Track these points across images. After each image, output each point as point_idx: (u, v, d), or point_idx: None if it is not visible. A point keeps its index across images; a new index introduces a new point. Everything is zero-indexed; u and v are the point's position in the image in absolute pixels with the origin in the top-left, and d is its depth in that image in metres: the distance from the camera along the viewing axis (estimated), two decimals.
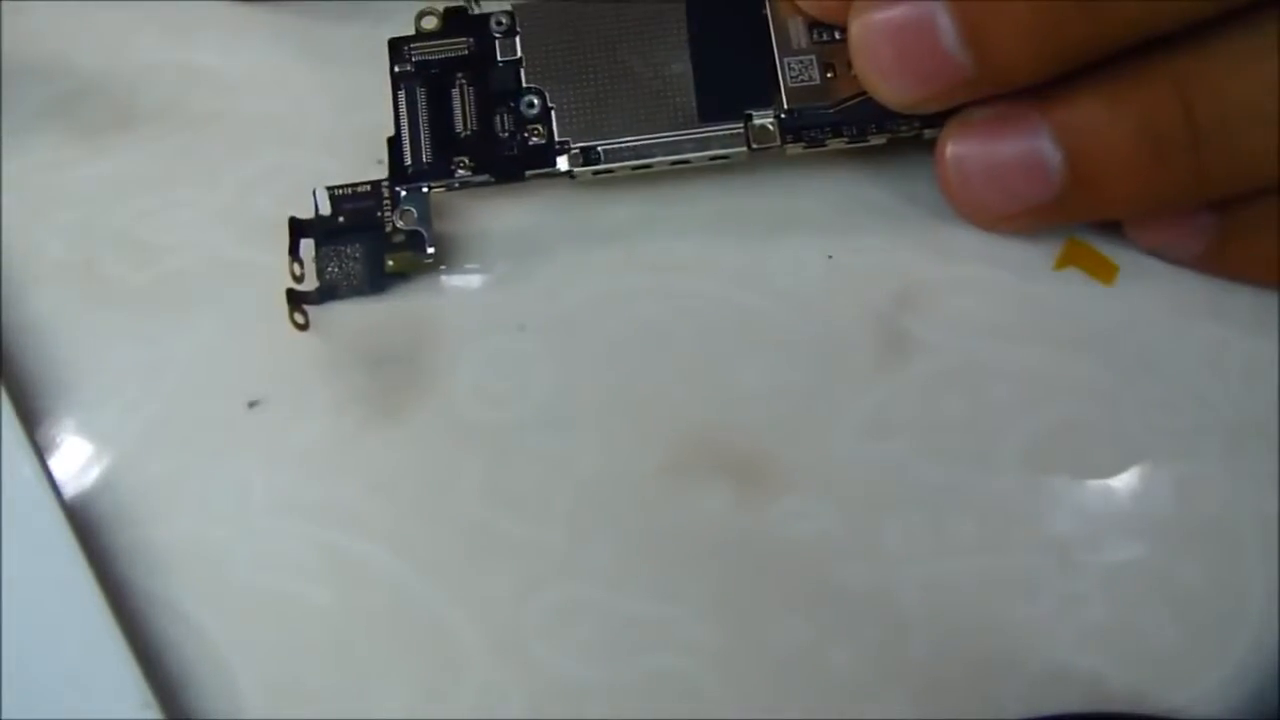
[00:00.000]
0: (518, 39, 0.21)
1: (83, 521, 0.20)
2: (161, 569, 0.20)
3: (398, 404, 0.21)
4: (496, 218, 0.22)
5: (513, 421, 0.20)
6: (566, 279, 0.21)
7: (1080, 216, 0.21)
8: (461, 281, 0.21)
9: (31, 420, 0.20)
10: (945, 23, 0.18)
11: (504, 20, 0.21)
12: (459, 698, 0.19)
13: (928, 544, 0.20)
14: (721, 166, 0.21)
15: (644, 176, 0.21)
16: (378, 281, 0.21)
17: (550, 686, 0.19)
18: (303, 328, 0.21)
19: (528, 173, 0.21)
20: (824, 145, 0.20)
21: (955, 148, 0.20)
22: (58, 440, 0.21)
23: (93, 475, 0.20)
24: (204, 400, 0.21)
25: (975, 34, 0.18)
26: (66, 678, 0.19)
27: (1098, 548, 0.20)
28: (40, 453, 0.20)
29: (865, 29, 0.19)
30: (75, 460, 0.20)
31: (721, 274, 0.21)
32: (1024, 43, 0.18)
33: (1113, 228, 0.21)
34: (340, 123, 0.22)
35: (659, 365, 0.21)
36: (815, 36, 0.20)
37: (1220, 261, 0.20)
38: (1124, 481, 0.20)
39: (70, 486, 0.20)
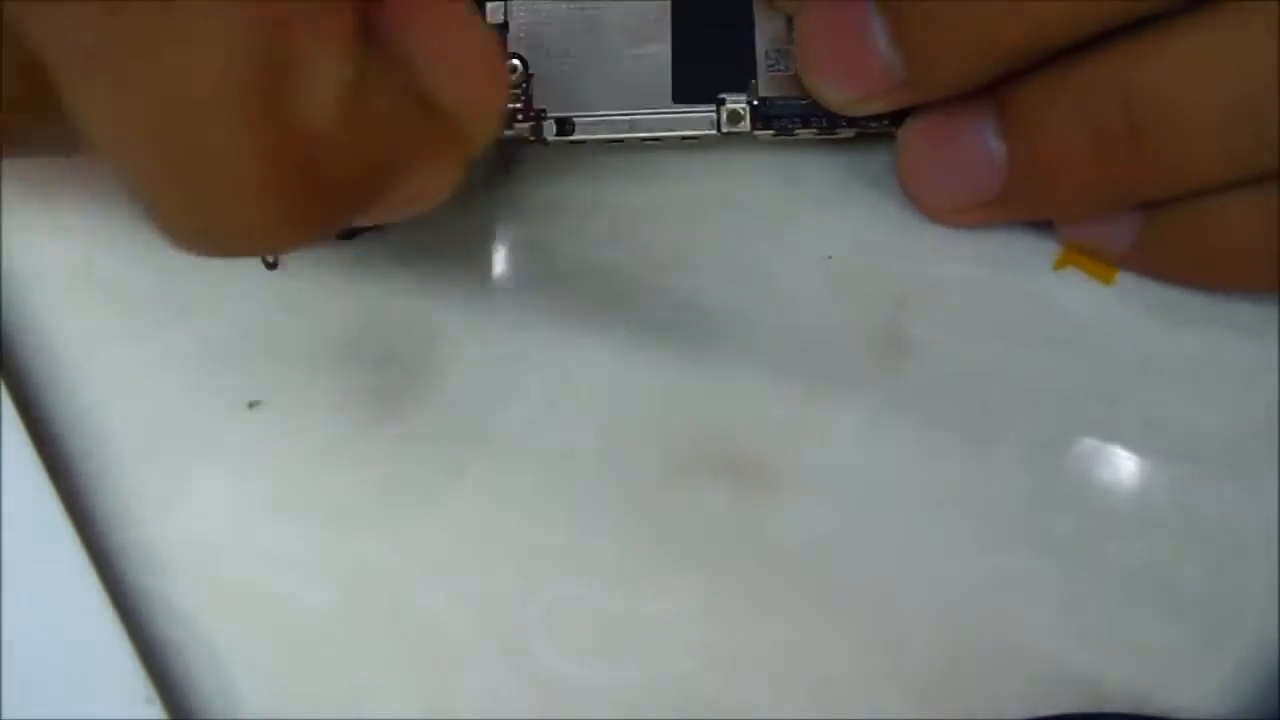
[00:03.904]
0: (505, 5, 0.21)
1: (83, 521, 0.20)
2: (162, 568, 0.20)
3: (398, 404, 0.21)
4: (496, 218, 0.22)
5: (513, 421, 0.21)
6: (566, 279, 0.21)
7: (1025, 212, 0.20)
8: (461, 282, 0.21)
9: (32, 420, 0.20)
10: (878, 27, 0.18)
11: None
12: (459, 698, 0.19)
13: (928, 544, 0.20)
14: (724, 166, 0.21)
15: (644, 175, 0.21)
16: (348, 230, 0.21)
17: (550, 686, 0.19)
18: (272, 266, 0.21)
19: (505, 133, 0.21)
20: (793, 134, 0.21)
21: (908, 137, 0.20)
22: (58, 440, 0.21)
23: (93, 474, 0.20)
24: (204, 400, 0.21)
25: (906, 38, 0.18)
26: (68, 676, 0.19)
27: (1098, 548, 0.20)
28: (41, 452, 0.20)
29: (803, 28, 0.19)
30: (76, 460, 0.20)
31: (721, 274, 0.21)
32: (955, 48, 0.18)
33: None
34: None
35: (659, 365, 0.21)
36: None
37: (1146, 260, 0.20)
38: (1124, 482, 0.20)
39: (71, 486, 0.20)
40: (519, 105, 0.21)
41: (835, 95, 0.19)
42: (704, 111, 0.21)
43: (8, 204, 0.22)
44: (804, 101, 0.20)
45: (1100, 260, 0.21)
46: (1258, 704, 0.19)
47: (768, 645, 0.19)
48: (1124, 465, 0.20)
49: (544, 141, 0.21)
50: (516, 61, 0.21)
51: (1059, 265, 0.21)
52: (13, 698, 0.19)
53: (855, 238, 0.21)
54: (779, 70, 0.21)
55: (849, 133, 0.20)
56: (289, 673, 0.19)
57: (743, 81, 0.21)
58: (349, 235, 0.21)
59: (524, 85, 0.21)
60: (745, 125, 0.20)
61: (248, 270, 0.21)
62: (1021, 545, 0.20)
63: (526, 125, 0.21)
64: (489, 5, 0.21)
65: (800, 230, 0.21)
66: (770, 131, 0.21)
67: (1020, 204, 0.20)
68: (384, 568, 0.20)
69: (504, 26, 0.21)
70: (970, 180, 0.20)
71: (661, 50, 0.21)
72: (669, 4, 0.21)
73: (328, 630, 0.20)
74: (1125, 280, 0.21)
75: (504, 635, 0.19)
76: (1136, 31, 0.18)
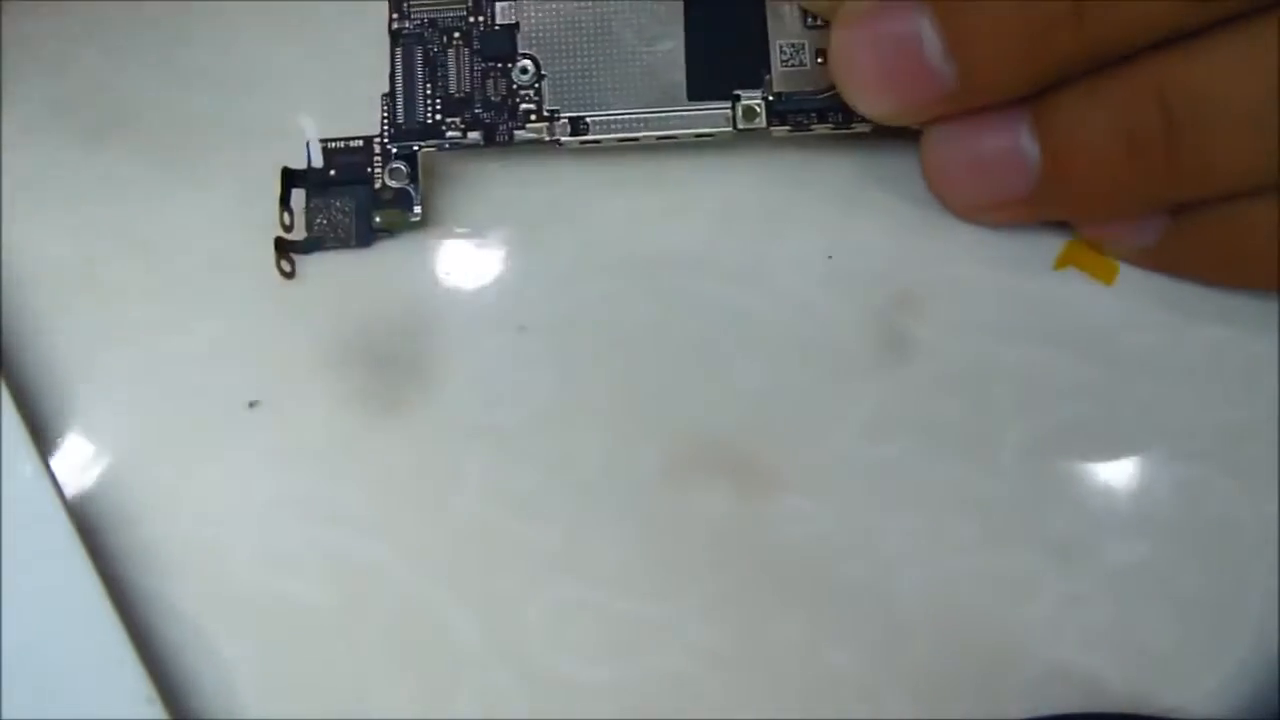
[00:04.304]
0: (515, 4, 0.21)
1: (83, 520, 0.20)
2: (162, 568, 0.20)
3: (398, 404, 0.21)
4: (496, 218, 0.22)
5: (513, 421, 0.21)
6: (566, 279, 0.21)
7: (1056, 212, 0.21)
8: (462, 281, 0.21)
9: (32, 420, 0.20)
10: (930, 36, 0.18)
11: None
12: (459, 698, 0.19)
13: (928, 544, 0.20)
14: (723, 166, 0.21)
15: (645, 175, 0.21)
16: (364, 236, 0.21)
17: (550, 686, 0.19)
18: (289, 275, 0.21)
19: (517, 136, 0.21)
20: (809, 130, 0.21)
21: (937, 136, 0.20)
22: (58, 439, 0.21)
23: (93, 474, 0.20)
24: (204, 400, 0.21)
25: (961, 47, 0.18)
26: (68, 676, 0.19)
27: (1098, 548, 0.20)
28: (41, 452, 0.20)
29: (847, 39, 0.19)
30: (76, 459, 0.20)
31: (721, 274, 0.21)
32: (1010, 57, 0.18)
33: None
34: (340, 123, 0.22)
35: (659, 365, 0.21)
36: (809, 22, 0.21)
37: (1168, 258, 0.20)
38: (1124, 481, 0.20)
39: (71, 486, 0.20)
40: (532, 107, 0.21)
41: (880, 107, 0.19)
42: (719, 108, 0.21)
43: (8, 204, 0.22)
44: (820, 96, 0.20)
45: (1127, 256, 0.21)
46: (1258, 704, 0.19)
47: (768, 645, 0.19)
48: (1124, 465, 0.20)
49: (558, 143, 0.21)
50: (528, 63, 0.21)
51: (1059, 265, 0.21)
52: (13, 698, 0.19)
53: (856, 238, 0.21)
54: (793, 65, 0.20)
55: (865, 127, 0.20)
56: (289, 673, 0.19)
57: (757, 77, 0.21)
58: (365, 241, 0.21)
59: (536, 86, 0.21)
60: (761, 121, 0.20)
61: (247, 271, 0.21)
62: (1021, 545, 0.20)
63: (541, 127, 0.21)
64: (499, 5, 0.21)
65: (801, 230, 0.21)
66: (786, 127, 0.21)
67: (1050, 204, 0.20)
68: (384, 568, 0.20)
69: (515, 27, 0.21)
70: (1001, 181, 0.20)
71: (674, 47, 0.21)
72: (681, 1, 0.21)
73: (328, 630, 0.20)
74: (1125, 280, 0.21)
75: (504, 635, 0.19)
76: (1176, 39, 0.18)
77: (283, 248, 0.21)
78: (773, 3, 0.21)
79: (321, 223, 0.21)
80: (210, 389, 0.21)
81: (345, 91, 0.22)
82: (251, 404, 0.21)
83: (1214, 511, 0.20)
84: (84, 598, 0.19)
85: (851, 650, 0.19)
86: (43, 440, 0.20)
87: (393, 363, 0.21)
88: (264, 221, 0.21)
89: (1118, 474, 0.20)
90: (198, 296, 0.21)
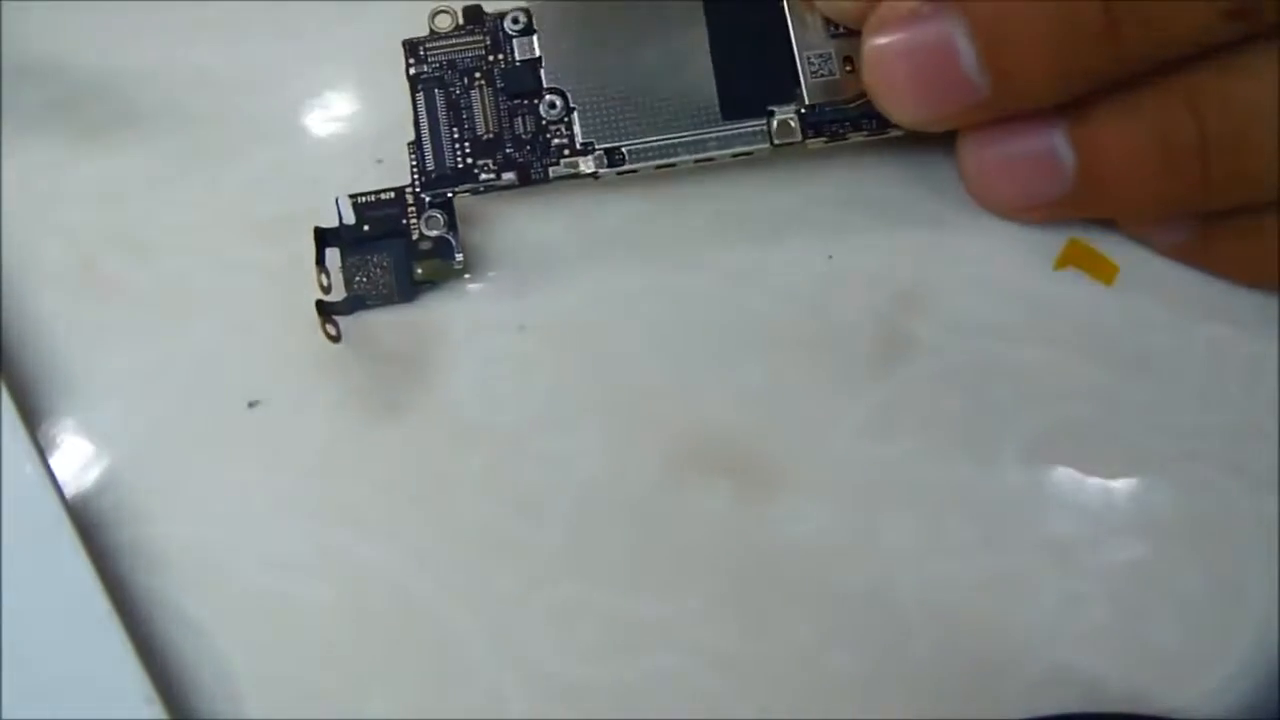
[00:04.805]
0: (535, 38, 0.21)
1: (84, 520, 0.20)
2: (162, 568, 0.20)
3: (398, 404, 0.21)
4: (495, 220, 0.22)
5: (513, 421, 0.21)
6: (567, 279, 0.21)
7: (1091, 213, 0.21)
8: (461, 281, 0.21)
9: (32, 419, 0.20)
10: (965, 46, 0.18)
11: (520, 19, 0.21)
12: (459, 698, 0.19)
13: (928, 544, 0.20)
14: (724, 166, 0.21)
15: (646, 177, 0.21)
16: (407, 290, 0.21)
17: (550, 686, 0.19)
18: (335, 339, 0.20)
19: (552, 173, 0.20)
20: (845, 139, 0.20)
21: (973, 139, 0.20)
22: (59, 439, 0.21)
23: (94, 474, 0.20)
24: (204, 400, 0.21)
25: (995, 58, 0.18)
26: (69, 675, 0.19)
27: (1098, 548, 0.20)
28: (41, 452, 0.20)
29: (880, 49, 0.19)
30: (76, 459, 0.20)
31: (722, 274, 0.21)
32: (1044, 67, 0.18)
33: (1113, 227, 0.21)
34: (340, 122, 0.22)
35: (659, 365, 0.21)
36: (833, 30, 0.20)
37: (1199, 255, 0.21)
38: (1124, 481, 0.20)
39: (71, 485, 0.20)
40: (564, 141, 0.20)
41: (914, 115, 0.19)
42: (754, 126, 0.20)
43: (8, 204, 0.22)
44: (853, 105, 0.20)
45: (1161, 251, 0.21)
46: (1258, 704, 0.19)
47: (768, 645, 0.19)
48: (1124, 464, 0.20)
49: (595, 176, 0.20)
50: (555, 97, 0.20)
51: (1059, 265, 0.21)
52: (13, 698, 0.19)
53: (856, 238, 0.21)
54: (823, 75, 0.20)
55: (899, 133, 0.20)
56: (289, 673, 0.19)
57: (788, 91, 0.20)
58: (408, 296, 0.21)
59: (565, 120, 0.20)
60: (797, 135, 0.20)
61: (247, 271, 0.21)
62: (1021, 545, 0.20)
63: (576, 161, 0.20)
64: (516, 41, 0.21)
65: (801, 230, 0.21)
66: (822, 139, 0.20)
67: (1086, 206, 0.20)
68: (384, 568, 0.20)
69: (538, 60, 0.21)
70: (1037, 184, 0.20)
71: (701, 66, 0.20)
72: (703, 20, 0.20)
73: (328, 630, 0.20)
74: (1125, 280, 0.21)
75: (504, 635, 0.19)
76: (1210, 52, 0.18)
77: (325, 311, 0.20)
78: (796, 13, 0.20)
79: (361, 280, 0.21)
80: (210, 389, 0.21)
81: (346, 92, 0.22)
82: (251, 404, 0.21)
83: (1214, 511, 0.20)
84: (84, 597, 0.19)
85: (852, 650, 0.19)
86: (43, 440, 0.20)
87: (393, 362, 0.21)
88: (264, 220, 0.21)
89: (1118, 474, 0.20)
90: (198, 296, 0.21)
